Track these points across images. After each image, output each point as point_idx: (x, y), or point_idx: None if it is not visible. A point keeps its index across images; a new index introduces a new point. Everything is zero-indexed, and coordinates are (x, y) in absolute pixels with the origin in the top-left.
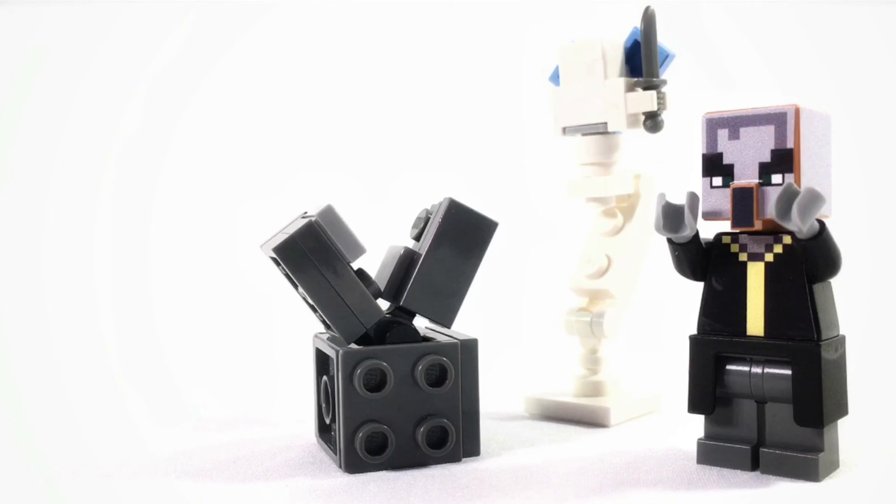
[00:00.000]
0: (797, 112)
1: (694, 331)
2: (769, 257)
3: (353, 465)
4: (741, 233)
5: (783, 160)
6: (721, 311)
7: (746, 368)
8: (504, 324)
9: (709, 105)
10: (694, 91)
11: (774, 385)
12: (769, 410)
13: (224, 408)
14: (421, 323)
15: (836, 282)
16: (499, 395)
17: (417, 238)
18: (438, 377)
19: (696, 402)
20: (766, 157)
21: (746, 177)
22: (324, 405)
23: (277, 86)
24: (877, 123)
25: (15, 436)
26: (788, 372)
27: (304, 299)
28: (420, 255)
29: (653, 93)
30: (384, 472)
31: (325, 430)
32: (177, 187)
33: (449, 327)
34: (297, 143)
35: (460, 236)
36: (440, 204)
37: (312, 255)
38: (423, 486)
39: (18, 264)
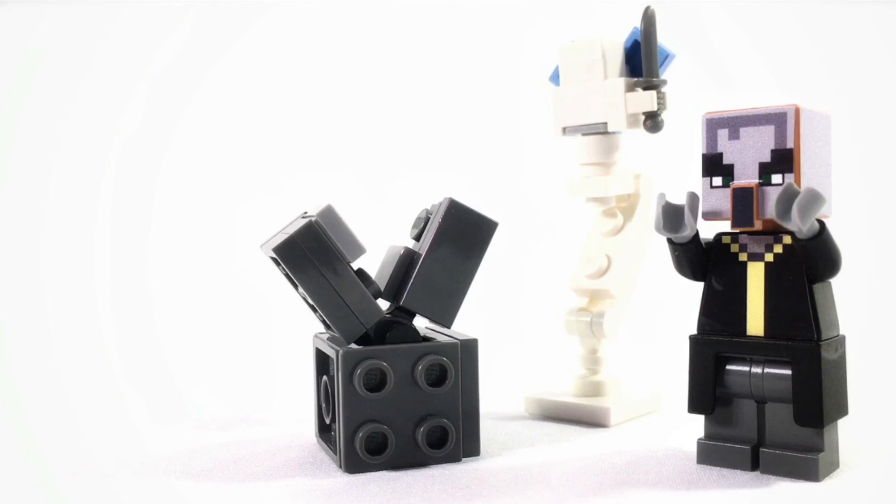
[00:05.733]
0: (797, 112)
1: (694, 331)
2: (769, 257)
3: (353, 465)
4: (741, 233)
5: (783, 160)
6: (721, 311)
7: (746, 368)
8: (504, 324)
9: (709, 105)
10: (694, 91)
11: (774, 385)
12: (769, 410)
13: (224, 408)
14: (421, 323)
15: (836, 282)
16: (499, 395)
17: (417, 238)
18: (438, 377)
19: (696, 402)
20: (766, 157)
21: (746, 177)
22: (324, 405)
23: (277, 85)
24: (877, 123)
25: (15, 436)
26: (788, 372)
27: (304, 299)
28: (420, 255)
29: (653, 93)
30: (384, 472)
31: (325, 430)
32: (176, 187)
33: (449, 327)
34: (297, 143)
35: (460, 236)
36: (440, 204)
37: (312, 255)
38: (423, 486)
39: (18, 264)
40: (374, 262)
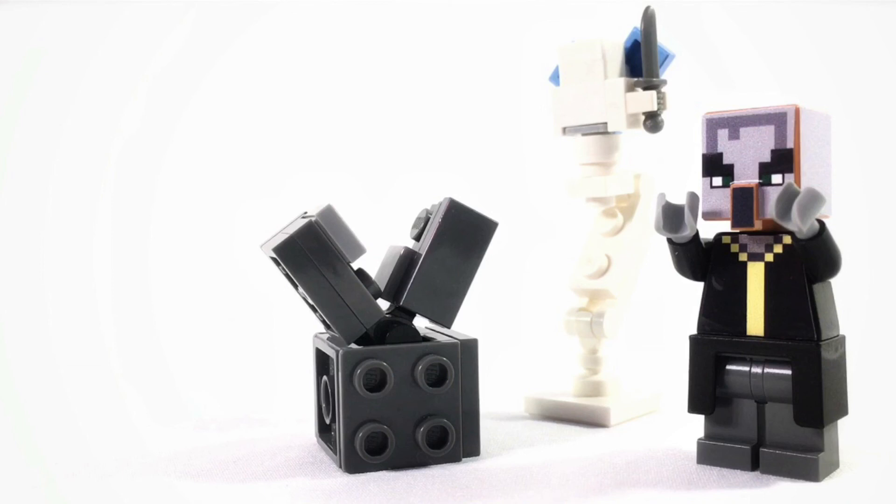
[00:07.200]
0: (797, 112)
1: (694, 331)
2: (769, 257)
3: (353, 465)
4: (741, 233)
5: (783, 160)
6: (721, 311)
7: (746, 368)
8: (504, 324)
9: (709, 105)
10: (694, 91)
11: (774, 385)
12: (769, 410)
13: (224, 408)
14: (421, 323)
15: (836, 282)
16: (499, 395)
17: (417, 238)
18: (438, 377)
19: (696, 402)
20: (766, 157)
21: (746, 177)
22: (324, 405)
23: (277, 85)
24: (877, 123)
25: (15, 436)
26: (788, 372)
27: (304, 299)
28: (420, 255)
29: (653, 93)
30: (384, 472)
31: (325, 430)
32: (176, 187)
33: (449, 327)
34: (297, 143)
35: (460, 236)
36: (440, 204)
37: (312, 255)
38: (423, 486)
39: (18, 264)
40: (374, 262)
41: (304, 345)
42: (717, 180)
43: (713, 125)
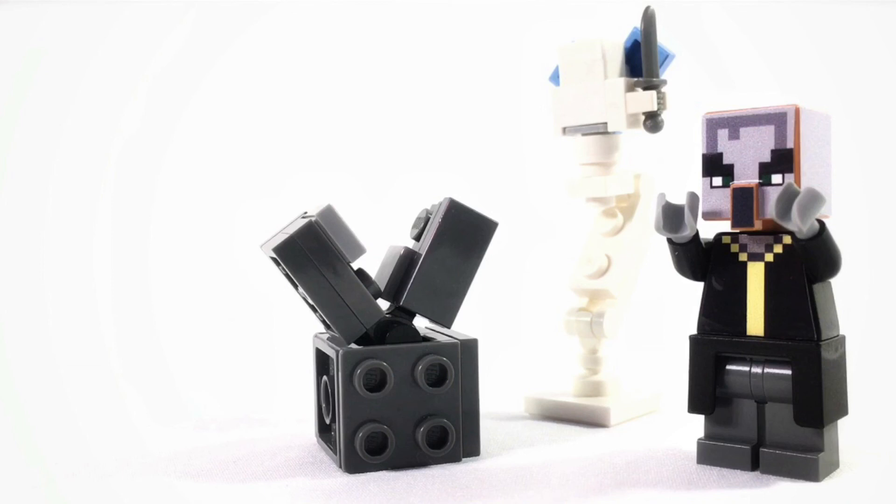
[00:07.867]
0: (797, 112)
1: (694, 331)
2: (769, 257)
3: (353, 465)
4: (741, 233)
5: (783, 160)
6: (721, 311)
7: (746, 368)
8: (504, 324)
9: (709, 105)
10: (694, 91)
11: (774, 385)
12: (769, 410)
13: (224, 408)
14: (421, 323)
15: (836, 282)
16: (499, 395)
17: (417, 238)
18: (438, 377)
19: (696, 402)
20: (766, 157)
21: (746, 177)
22: (324, 405)
23: (277, 85)
24: (877, 123)
25: (15, 436)
26: (788, 372)
27: (304, 299)
28: (420, 255)
29: (653, 93)
30: (384, 472)
31: (325, 430)
32: (176, 187)
33: (449, 327)
34: (297, 143)
35: (460, 236)
36: (440, 204)
37: (312, 255)
38: (423, 486)
39: (18, 264)
40: (374, 262)
41: (304, 345)
42: (717, 180)
43: (713, 125)
